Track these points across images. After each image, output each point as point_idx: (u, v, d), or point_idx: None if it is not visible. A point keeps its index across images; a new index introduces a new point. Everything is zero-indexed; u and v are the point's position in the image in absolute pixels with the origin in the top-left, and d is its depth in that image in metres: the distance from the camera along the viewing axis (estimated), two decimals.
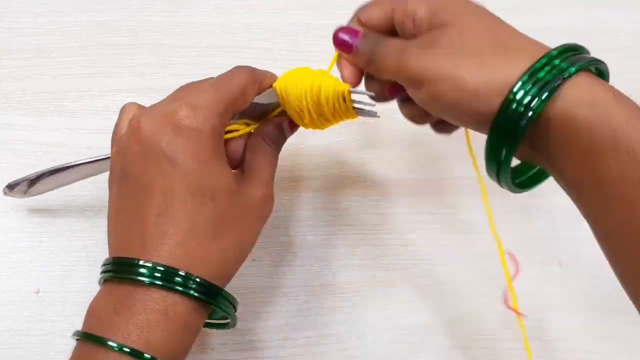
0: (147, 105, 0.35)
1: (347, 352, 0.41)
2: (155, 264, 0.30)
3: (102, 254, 0.42)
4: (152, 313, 0.29)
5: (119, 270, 0.31)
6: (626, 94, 0.53)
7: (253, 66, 0.35)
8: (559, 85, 0.28)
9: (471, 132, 0.35)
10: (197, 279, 0.30)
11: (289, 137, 0.38)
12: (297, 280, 0.43)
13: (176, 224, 0.30)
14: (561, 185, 0.31)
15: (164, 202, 0.31)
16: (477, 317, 0.43)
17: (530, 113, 0.28)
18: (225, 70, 0.51)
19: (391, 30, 0.34)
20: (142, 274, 0.29)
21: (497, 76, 0.29)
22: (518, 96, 0.28)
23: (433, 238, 0.45)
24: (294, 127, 0.37)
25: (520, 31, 0.31)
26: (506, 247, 0.45)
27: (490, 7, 0.53)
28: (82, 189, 0.44)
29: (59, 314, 0.41)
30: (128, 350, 0.28)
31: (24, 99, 0.47)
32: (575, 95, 0.28)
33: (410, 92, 0.32)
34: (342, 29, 0.35)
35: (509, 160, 0.30)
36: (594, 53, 0.53)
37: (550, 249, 0.45)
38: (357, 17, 0.35)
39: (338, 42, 0.35)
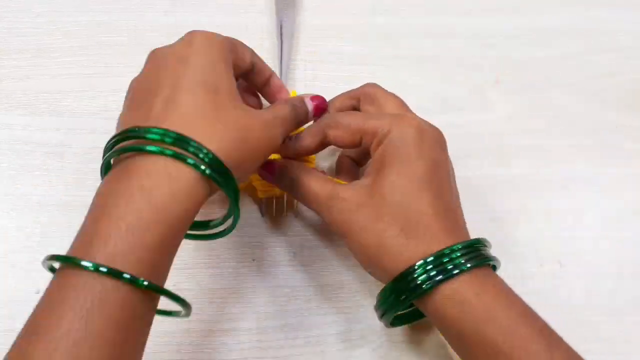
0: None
1: (347, 352, 0.41)
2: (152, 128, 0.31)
3: None
4: (155, 175, 0.30)
5: (124, 148, 0.31)
6: (626, 93, 0.53)
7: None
8: (452, 276, 0.33)
9: None
10: (206, 151, 0.31)
11: (311, 115, 0.41)
12: (297, 280, 0.43)
13: (180, 107, 0.32)
14: None
15: (172, 92, 0.33)
16: None
17: (425, 287, 0.33)
18: None
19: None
20: (149, 144, 0.30)
21: (408, 251, 0.34)
22: (418, 272, 0.34)
23: None
24: (318, 109, 0.41)
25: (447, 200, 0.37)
26: (505, 248, 0.45)
27: (491, 8, 0.54)
28: (82, 189, 0.44)
29: None
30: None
31: (24, 99, 0.47)
32: (448, 291, 0.33)
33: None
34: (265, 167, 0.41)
35: (393, 311, 0.36)
36: (594, 53, 0.54)
37: (550, 249, 0.45)
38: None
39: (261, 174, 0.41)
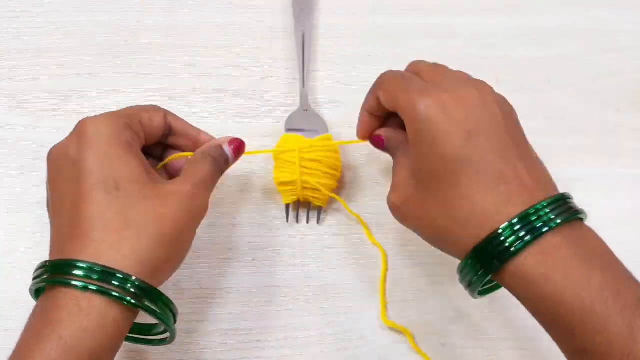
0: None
1: (347, 352, 0.41)
2: (54, 262, 0.30)
3: None
4: (64, 309, 0.29)
5: (48, 279, 0.31)
6: (626, 93, 0.52)
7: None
8: (541, 235, 0.30)
9: None
10: (134, 279, 0.30)
11: (232, 160, 0.39)
12: (297, 280, 0.43)
13: (85, 219, 0.31)
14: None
15: (73, 203, 0.31)
16: (477, 317, 0.43)
17: (512, 249, 0.30)
18: (225, 70, 0.51)
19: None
20: (74, 279, 0.29)
21: (492, 210, 0.31)
22: (504, 235, 0.30)
23: None
24: (237, 152, 0.39)
25: (528, 157, 0.34)
26: None
27: (492, 7, 0.54)
28: None
29: None
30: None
31: (24, 99, 0.47)
32: (539, 252, 0.30)
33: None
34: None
35: (479, 281, 0.32)
36: (594, 53, 0.54)
37: None
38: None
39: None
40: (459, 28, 0.53)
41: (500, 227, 0.30)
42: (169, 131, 0.38)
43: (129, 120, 0.34)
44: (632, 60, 0.53)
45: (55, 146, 0.34)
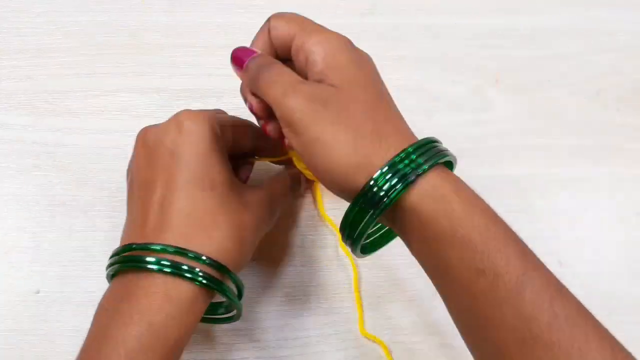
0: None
1: (346, 352, 0.41)
2: (163, 245, 0.31)
3: (103, 253, 0.43)
4: (154, 296, 0.30)
5: (124, 261, 0.32)
6: (626, 93, 0.53)
7: None
8: (413, 181, 0.29)
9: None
10: (204, 258, 0.31)
11: (298, 195, 0.43)
12: (297, 280, 0.43)
13: (176, 211, 0.32)
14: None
15: (166, 192, 0.32)
16: None
17: (387, 200, 0.30)
18: (225, 70, 0.51)
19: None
20: (148, 262, 0.31)
21: (367, 160, 0.30)
22: (379, 183, 0.30)
23: None
24: (308, 187, 0.43)
25: (393, 110, 0.33)
26: None
27: (491, 8, 0.54)
28: (82, 189, 0.44)
29: (59, 314, 0.41)
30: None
31: (24, 99, 0.47)
32: (423, 190, 0.30)
33: (285, 131, 0.32)
34: (239, 49, 0.36)
35: (362, 234, 0.32)
36: (594, 53, 0.54)
37: (550, 249, 0.45)
38: (269, 22, 0.34)
39: (233, 58, 0.36)
40: (459, 28, 0.53)
41: (373, 177, 0.30)
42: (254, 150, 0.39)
43: (222, 129, 0.35)
44: (632, 60, 0.53)
45: (149, 129, 0.35)
